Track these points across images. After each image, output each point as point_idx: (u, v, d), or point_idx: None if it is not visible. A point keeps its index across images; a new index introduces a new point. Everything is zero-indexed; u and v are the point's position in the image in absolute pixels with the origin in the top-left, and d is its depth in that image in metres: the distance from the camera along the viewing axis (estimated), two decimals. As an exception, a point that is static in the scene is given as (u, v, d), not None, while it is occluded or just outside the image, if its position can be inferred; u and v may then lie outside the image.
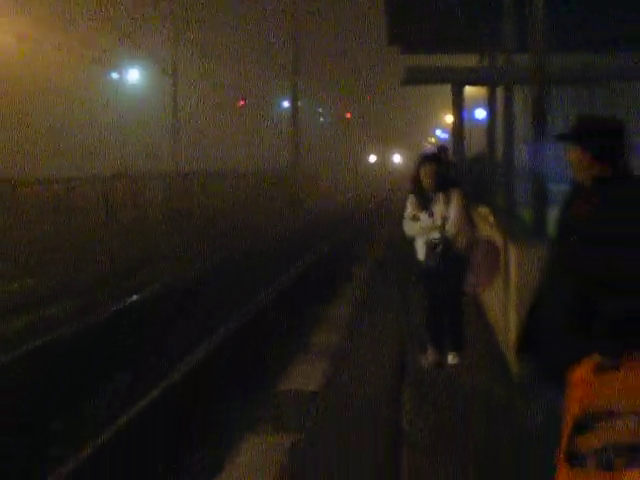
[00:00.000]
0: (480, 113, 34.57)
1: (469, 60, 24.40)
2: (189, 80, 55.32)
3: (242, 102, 64.40)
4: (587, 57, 19.65)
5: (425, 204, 7.74)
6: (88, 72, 53.15)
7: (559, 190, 6.59)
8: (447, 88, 20.62)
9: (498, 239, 8.40)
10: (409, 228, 7.84)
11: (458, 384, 7.52)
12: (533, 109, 8.37)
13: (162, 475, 6.81)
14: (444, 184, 7.78)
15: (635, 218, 3.98)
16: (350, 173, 75.83)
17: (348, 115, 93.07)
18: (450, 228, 7.66)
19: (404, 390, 7.39)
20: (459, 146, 19.76)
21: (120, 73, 53.50)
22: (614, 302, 3.89)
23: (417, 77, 18.68)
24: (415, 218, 7.77)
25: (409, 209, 7.86)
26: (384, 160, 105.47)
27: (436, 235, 7.68)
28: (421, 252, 7.83)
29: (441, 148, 8.75)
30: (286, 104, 64.23)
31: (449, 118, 45.28)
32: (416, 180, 7.85)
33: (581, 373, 3.97)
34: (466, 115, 24.59)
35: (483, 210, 11.87)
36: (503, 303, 8.16)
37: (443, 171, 7.92)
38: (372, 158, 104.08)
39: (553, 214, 6.75)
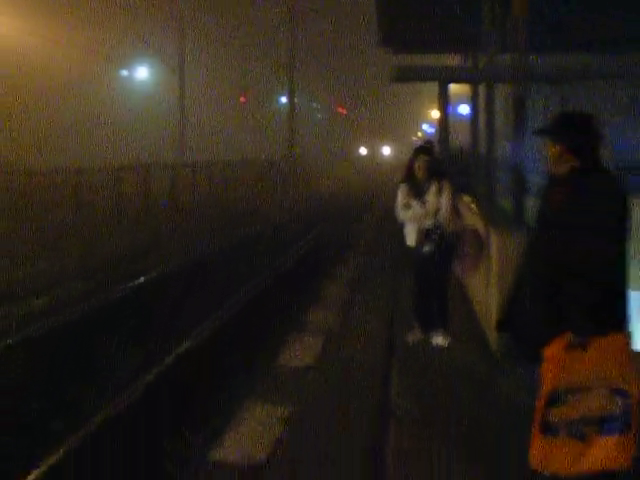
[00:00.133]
0: (464, 109, 34.49)
1: (454, 60, 24.39)
2: (194, 77, 55.28)
3: (243, 99, 64.18)
4: (564, 57, 19.67)
5: (418, 193, 7.76)
6: (100, 69, 53.12)
7: (537, 181, 6.62)
8: (433, 85, 20.63)
9: (480, 226, 8.41)
10: (403, 214, 7.84)
11: (443, 360, 7.54)
12: (513, 106, 8.38)
13: (169, 441, 6.84)
14: (436, 175, 7.82)
15: (601, 208, 4.01)
16: (343, 164, 75.66)
17: (342, 110, 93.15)
18: (442, 216, 7.72)
19: (393, 365, 7.41)
20: (444, 139, 19.80)
21: (129, 70, 53.58)
22: (580, 288, 3.92)
23: (406, 75, 18.72)
24: (407, 206, 7.79)
25: (400, 197, 7.87)
26: (374, 152, 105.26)
27: (429, 222, 7.72)
28: (411, 238, 7.85)
29: (427, 142, 8.69)
30: (284, 100, 64.39)
31: (435, 113, 45.28)
32: (410, 170, 7.86)
33: (554, 350, 4.00)
34: (451, 111, 24.61)
35: (466, 199, 11.88)
36: (485, 285, 8.17)
37: (435, 163, 7.95)
38: (363, 150, 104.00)
39: (531, 203, 6.79)
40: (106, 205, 25.04)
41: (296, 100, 58.52)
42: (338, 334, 8.99)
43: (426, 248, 7.69)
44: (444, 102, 19.73)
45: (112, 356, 9.60)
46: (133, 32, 52.17)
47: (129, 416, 7.23)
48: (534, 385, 4.11)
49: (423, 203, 7.73)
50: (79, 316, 11.35)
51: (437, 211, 7.71)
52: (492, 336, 7.48)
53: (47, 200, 23.43)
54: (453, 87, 23.09)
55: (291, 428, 5.95)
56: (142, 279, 14.46)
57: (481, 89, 17.84)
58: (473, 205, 10.55)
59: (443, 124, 21.04)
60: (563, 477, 4.01)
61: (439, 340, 7.98)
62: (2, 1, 38.10)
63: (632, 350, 4.05)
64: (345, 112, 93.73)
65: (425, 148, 8.10)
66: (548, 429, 4.00)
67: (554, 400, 3.98)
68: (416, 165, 7.78)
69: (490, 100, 14.19)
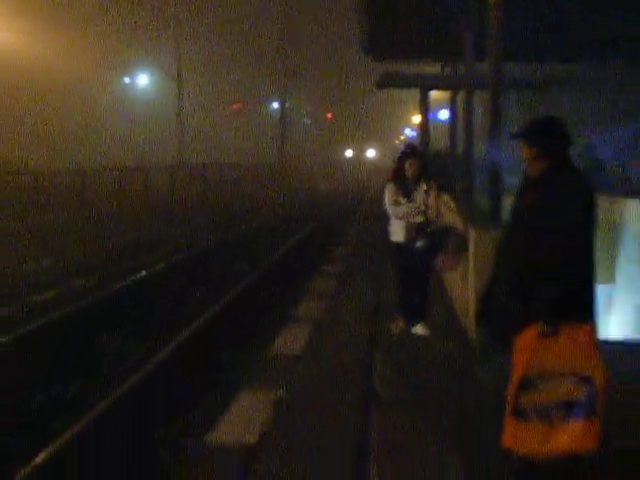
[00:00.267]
0: (444, 114, 34.53)
1: (434, 68, 24.40)
2: (192, 83, 55.39)
3: (237, 105, 64.25)
4: (538, 66, 19.74)
5: (407, 192, 7.77)
6: (104, 77, 53.25)
7: (512, 181, 6.62)
8: (416, 92, 20.65)
9: (459, 224, 8.40)
10: (394, 211, 7.82)
11: (424, 348, 7.55)
12: (490, 110, 8.37)
13: (172, 422, 6.90)
14: (424, 175, 7.85)
15: (571, 205, 4.04)
16: (330, 166, 75.83)
17: (329, 115, 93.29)
18: (431, 213, 7.75)
19: (376, 354, 7.40)
20: (425, 142, 19.82)
21: (131, 78, 53.65)
22: (551, 281, 3.93)
23: (390, 82, 18.70)
24: (396, 203, 7.79)
25: (388, 195, 7.86)
26: (359, 155, 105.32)
27: (419, 219, 7.72)
28: (399, 234, 7.83)
29: (409, 145, 8.73)
30: (275, 105, 64.67)
31: (417, 118, 45.29)
32: (400, 171, 7.86)
33: (525, 339, 4.03)
34: (431, 116, 24.65)
35: (446, 197, 11.87)
36: (463, 279, 8.17)
37: (424, 164, 7.97)
38: (349, 153, 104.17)
39: (506, 202, 6.78)
40: (108, 204, 24.97)
41: (287, 104, 58.77)
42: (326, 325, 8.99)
43: (420, 243, 7.68)
44: (425, 108, 19.76)
45: (115, 343, 9.62)
46: (135, 41, 52.22)
47: (131, 399, 7.23)
48: (509, 372, 4.11)
49: (412, 201, 7.74)
50: (82, 305, 11.31)
51: (426, 209, 7.74)
52: (470, 327, 7.47)
53: (52, 199, 23.33)
54: (434, 94, 23.11)
55: (281, 412, 5.93)
56: (144, 272, 14.43)
57: (460, 95, 17.86)
58: (452, 204, 10.53)
59: (424, 128, 21.08)
60: (534, 458, 4.04)
61: (420, 330, 7.98)
62: (12, 15, 38.09)
63: (598, 339, 4.07)
64: (332, 117, 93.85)
65: (416, 150, 8.14)
66: (519, 413, 4.04)
67: (525, 386, 4.03)
68: (407, 166, 7.80)
69: (468, 105, 14.20)
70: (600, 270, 4.23)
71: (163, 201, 28.11)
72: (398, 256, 8.00)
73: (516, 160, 4.84)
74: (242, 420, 5.84)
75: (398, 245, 7.90)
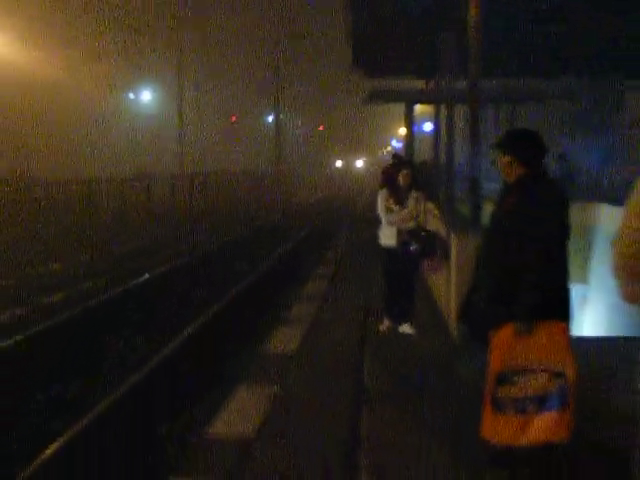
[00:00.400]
0: (428, 126, 34.59)
1: (419, 84, 24.46)
2: (192, 99, 55.51)
3: (234, 118, 64.22)
4: (512, 81, 19.82)
5: (399, 199, 7.80)
6: (110, 93, 53.38)
7: (490, 187, 6.65)
8: (401, 106, 20.70)
9: (442, 230, 8.42)
10: (388, 218, 7.83)
11: (410, 345, 7.56)
12: (469, 123, 8.39)
13: (177, 411, 6.98)
14: (415, 185, 7.92)
15: (546, 211, 4.06)
16: (321, 175, 75.90)
17: (321, 128, 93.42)
18: (422, 220, 7.82)
19: (365, 350, 7.40)
20: (410, 153, 19.85)
21: (135, 94, 53.73)
22: (527, 282, 3.95)
23: (377, 97, 18.78)
24: (389, 210, 7.81)
25: (381, 203, 7.89)
26: (348, 165, 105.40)
27: (410, 225, 7.76)
28: (391, 238, 7.83)
29: (395, 155, 8.77)
30: (270, 119, 64.83)
31: (402, 130, 45.35)
32: (393, 180, 7.90)
33: (502, 336, 4.05)
34: (416, 128, 24.69)
35: (430, 205, 11.89)
36: (446, 281, 8.18)
37: (415, 175, 8.03)
38: (339, 163, 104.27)
39: (486, 209, 6.79)
40: (114, 211, 24.92)
41: (281, 117, 58.92)
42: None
43: (414, 246, 7.70)
44: (410, 120, 19.79)
45: (121, 341, 9.64)
46: (139, 59, 52.30)
47: (137, 389, 7.31)
48: (485, 366, 4.14)
49: (404, 208, 7.77)
50: (86, 307, 11.29)
51: (417, 215, 7.79)
52: (452, 326, 7.49)
53: (61, 207, 23.26)
54: (419, 107, 23.17)
55: (276, 406, 5.93)
56: (147, 275, 14.41)
57: (442, 109, 17.90)
58: (436, 211, 10.55)
59: (409, 139, 21.12)
60: (511, 448, 4.06)
61: (407, 329, 7.98)
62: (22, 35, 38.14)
63: (571, 337, 4.09)
64: (323, 129, 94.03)
65: (408, 162, 8.22)
66: (497, 405, 4.07)
67: (501, 380, 4.05)
68: (401, 176, 7.84)
69: (450, 118, 14.23)
70: (574, 271, 4.25)
71: (165, 209, 28.07)
72: (387, 260, 8.01)
73: (493, 169, 4.87)
74: (240, 414, 5.84)
75: (388, 249, 7.90)
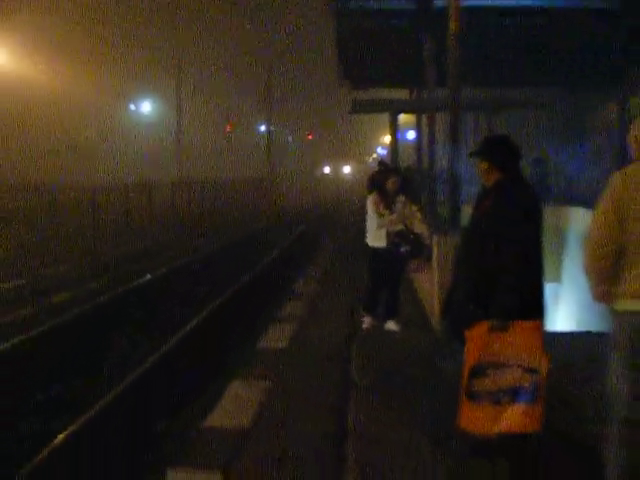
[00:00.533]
0: (411, 134, 34.62)
1: (402, 94, 24.47)
2: (190, 110, 55.53)
3: (229, 127, 64.20)
4: (490, 90, 19.85)
5: (388, 204, 7.79)
6: (112, 104, 53.41)
7: (470, 191, 6.64)
8: (386, 115, 20.68)
9: (425, 231, 8.40)
10: (378, 222, 7.81)
11: (394, 339, 7.55)
12: (449, 130, 8.38)
13: (179, 400, 7.06)
14: (402, 190, 7.94)
15: (521, 214, 4.06)
16: (310, 181, 75.95)
17: (310, 136, 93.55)
18: (410, 223, 7.83)
19: (352, 344, 7.37)
20: (394, 159, 19.84)
21: (136, 105, 53.70)
22: (503, 282, 3.95)
23: (362, 107, 18.72)
24: (380, 215, 7.79)
25: (371, 207, 7.88)
26: (336, 171, 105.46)
27: (399, 227, 7.74)
28: (379, 240, 7.80)
29: (381, 162, 8.83)
30: (262, 128, 64.98)
31: (387, 138, 45.40)
32: (382, 186, 7.89)
33: (477, 332, 4.05)
34: (400, 136, 24.68)
35: (413, 208, 11.88)
36: (429, 279, 8.17)
37: (403, 181, 8.10)
38: (327, 169, 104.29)
39: (466, 211, 6.78)
40: (117, 217, 24.81)
41: (272, 128, 59.07)
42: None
43: (404, 248, 7.69)
44: (394, 129, 19.79)
45: (125, 338, 9.61)
46: (140, 71, 52.38)
47: (138, 382, 7.33)
48: (462, 359, 4.14)
49: (393, 212, 7.77)
50: (95, 306, 11.23)
51: (405, 218, 7.81)
52: (435, 322, 7.47)
53: (67, 213, 23.16)
54: (403, 116, 23.15)
55: (270, 397, 5.91)
56: (149, 276, 14.35)
57: (424, 117, 17.91)
58: (419, 213, 10.55)
59: (394, 147, 21.13)
60: (486, 437, 4.07)
61: (392, 326, 7.95)
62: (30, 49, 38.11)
63: (544, 334, 4.09)
64: (312, 137, 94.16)
65: (396, 169, 8.23)
66: (473, 397, 4.08)
67: (477, 373, 4.06)
68: (389, 182, 7.85)
69: (431, 126, 14.24)
70: (548, 270, 4.26)
71: (165, 213, 28.00)
72: (373, 260, 7.97)
73: (472, 173, 4.87)
74: (236, 402, 5.83)
75: (375, 249, 7.88)
